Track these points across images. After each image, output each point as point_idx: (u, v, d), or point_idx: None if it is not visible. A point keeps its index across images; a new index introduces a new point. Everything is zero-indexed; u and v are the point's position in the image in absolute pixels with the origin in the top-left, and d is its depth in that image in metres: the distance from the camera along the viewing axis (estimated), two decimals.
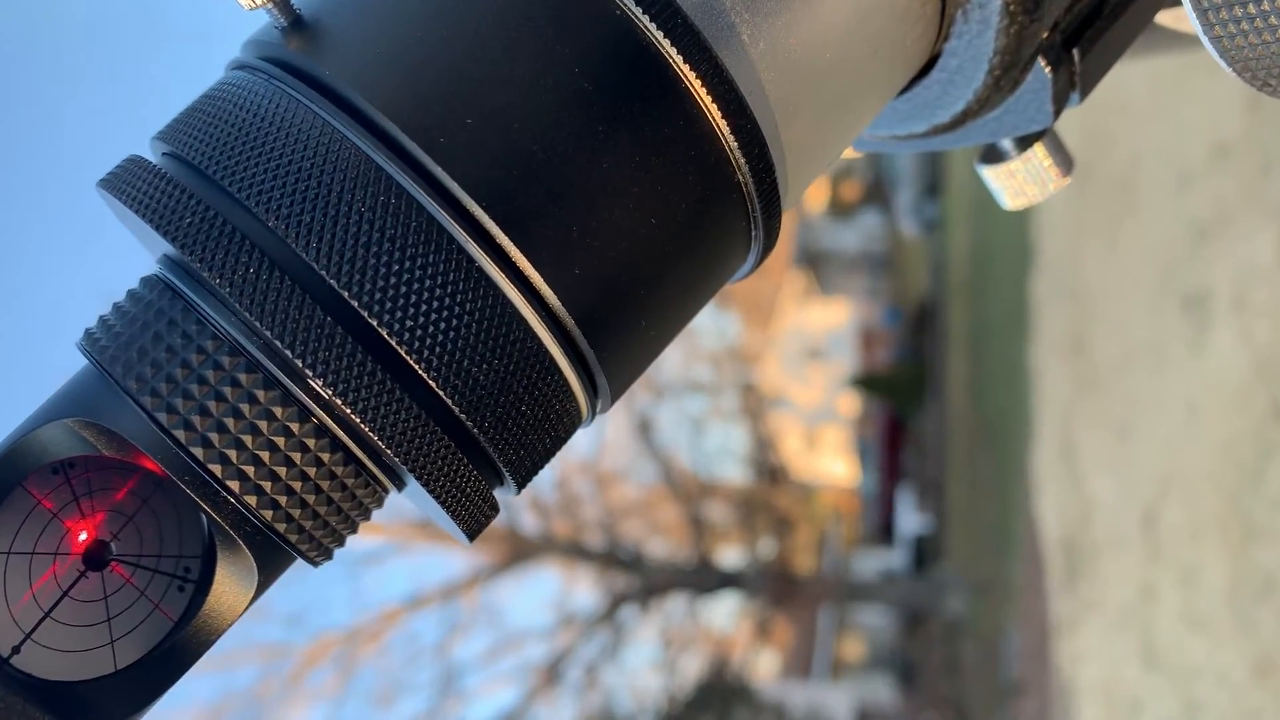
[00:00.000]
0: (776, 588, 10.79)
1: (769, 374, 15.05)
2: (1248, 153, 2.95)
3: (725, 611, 11.95)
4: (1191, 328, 3.29)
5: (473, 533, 0.31)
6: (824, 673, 13.31)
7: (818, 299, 18.47)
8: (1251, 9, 0.27)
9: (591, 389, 0.32)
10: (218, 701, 8.89)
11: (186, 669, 0.29)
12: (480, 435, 0.29)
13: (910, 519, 12.52)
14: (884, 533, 14.30)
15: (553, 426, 0.31)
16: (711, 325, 11.76)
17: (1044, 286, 5.78)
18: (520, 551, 10.02)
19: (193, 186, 0.29)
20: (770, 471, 12.99)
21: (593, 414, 0.33)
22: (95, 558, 0.28)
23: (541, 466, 0.32)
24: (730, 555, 11.99)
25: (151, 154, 0.32)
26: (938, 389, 11.64)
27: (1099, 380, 4.52)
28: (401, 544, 9.89)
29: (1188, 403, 3.30)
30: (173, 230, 0.28)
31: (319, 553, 0.30)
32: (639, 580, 10.42)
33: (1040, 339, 5.84)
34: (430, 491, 0.29)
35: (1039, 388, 5.81)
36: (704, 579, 10.68)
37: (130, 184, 0.30)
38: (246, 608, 0.29)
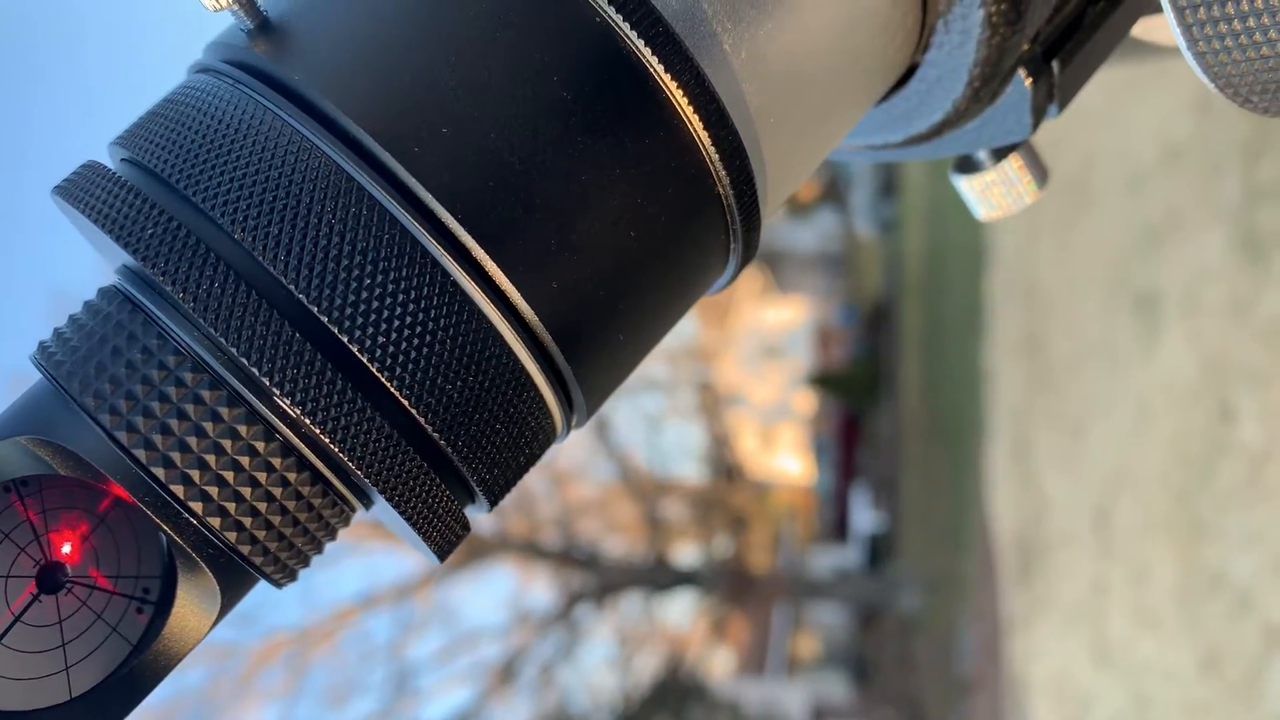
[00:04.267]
0: (732, 585, 10.83)
1: (725, 372, 15.09)
2: (1198, 155, 3.00)
3: (681, 609, 11.98)
4: (1143, 328, 3.33)
5: (443, 553, 0.30)
6: (779, 670, 13.37)
7: (774, 298, 18.55)
8: (1236, 25, 0.26)
9: (567, 405, 0.31)
10: (167, 702, 8.75)
11: (146, 694, 0.27)
12: (454, 455, 0.28)
13: (865, 516, 12.62)
14: (839, 530, 14.40)
15: (527, 444, 0.30)
16: None
17: (998, 286, 5.84)
18: (475, 550, 9.98)
19: (154, 195, 0.27)
20: (726, 469, 13.05)
21: (567, 430, 0.32)
22: (49, 580, 0.27)
23: (514, 484, 0.31)
24: (686, 553, 12.03)
25: (109, 160, 0.30)
26: (893, 387, 11.73)
27: (1052, 379, 4.57)
28: (355, 543, 9.81)
29: (1139, 402, 3.35)
30: (133, 242, 0.26)
31: (283, 574, 0.29)
32: (595, 578, 10.42)
33: (994, 338, 5.90)
34: (401, 513, 0.28)
35: (993, 386, 5.87)
36: (660, 577, 10.70)
37: (88, 192, 0.28)
38: (208, 631, 0.28)
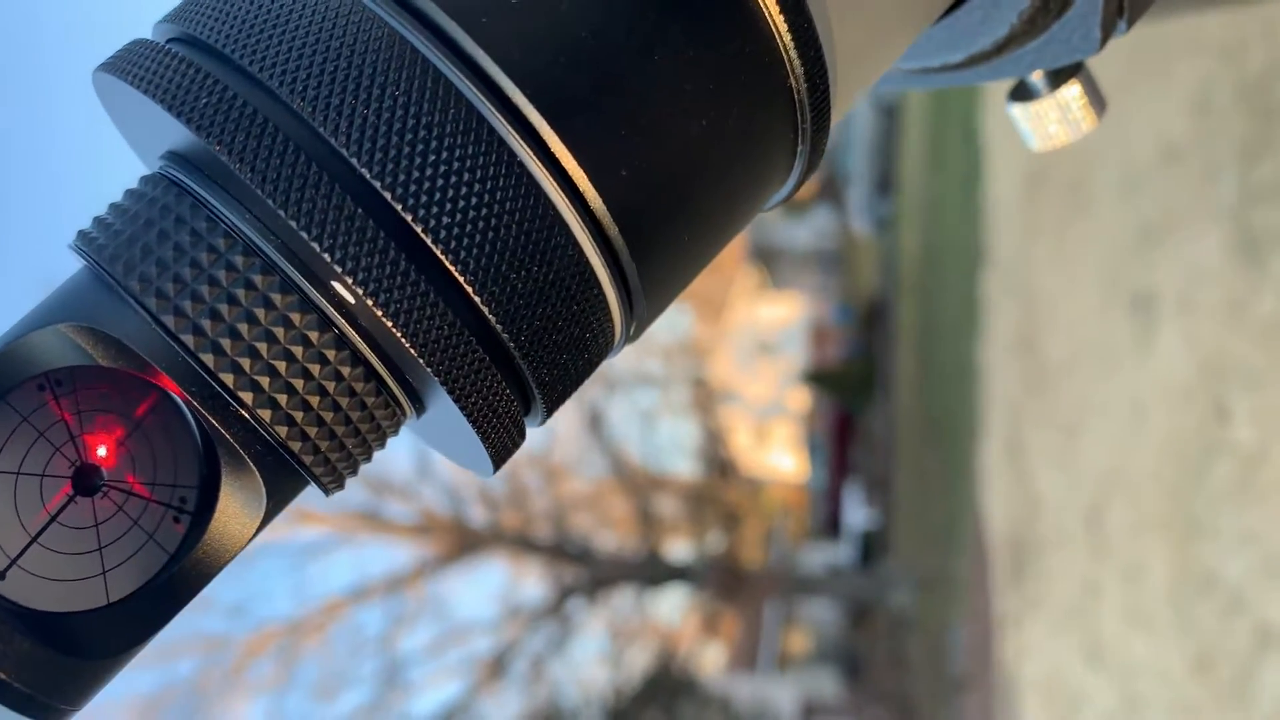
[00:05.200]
0: (724, 581, 10.84)
1: (720, 368, 15.10)
2: (1195, 156, 3.00)
3: (673, 605, 11.99)
4: (1139, 328, 3.33)
5: (499, 459, 0.28)
6: (770, 666, 13.39)
7: (770, 295, 18.56)
8: None
9: (628, 308, 0.29)
10: (157, 693, 8.75)
11: (186, 602, 0.26)
12: (515, 350, 0.26)
13: (858, 514, 12.62)
14: (832, 527, 14.41)
15: (587, 347, 0.28)
16: (663, 319, 11.76)
17: (994, 286, 5.84)
18: (467, 543, 9.98)
19: (209, 67, 0.25)
20: (720, 466, 13.05)
21: (624, 339, 0.31)
22: (85, 482, 0.26)
23: (572, 392, 0.29)
24: (678, 549, 12.03)
25: (156, 39, 0.28)
26: (887, 386, 11.74)
27: (1047, 379, 4.57)
28: (345, 535, 9.81)
29: (1134, 402, 3.35)
30: (188, 112, 0.25)
31: (332, 479, 0.27)
32: (587, 573, 10.42)
33: (989, 337, 5.90)
34: (462, 408, 0.26)
35: (987, 386, 5.87)
36: (652, 572, 10.71)
37: (137, 65, 0.26)
38: (252, 537, 0.27)
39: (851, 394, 13.17)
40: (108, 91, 0.28)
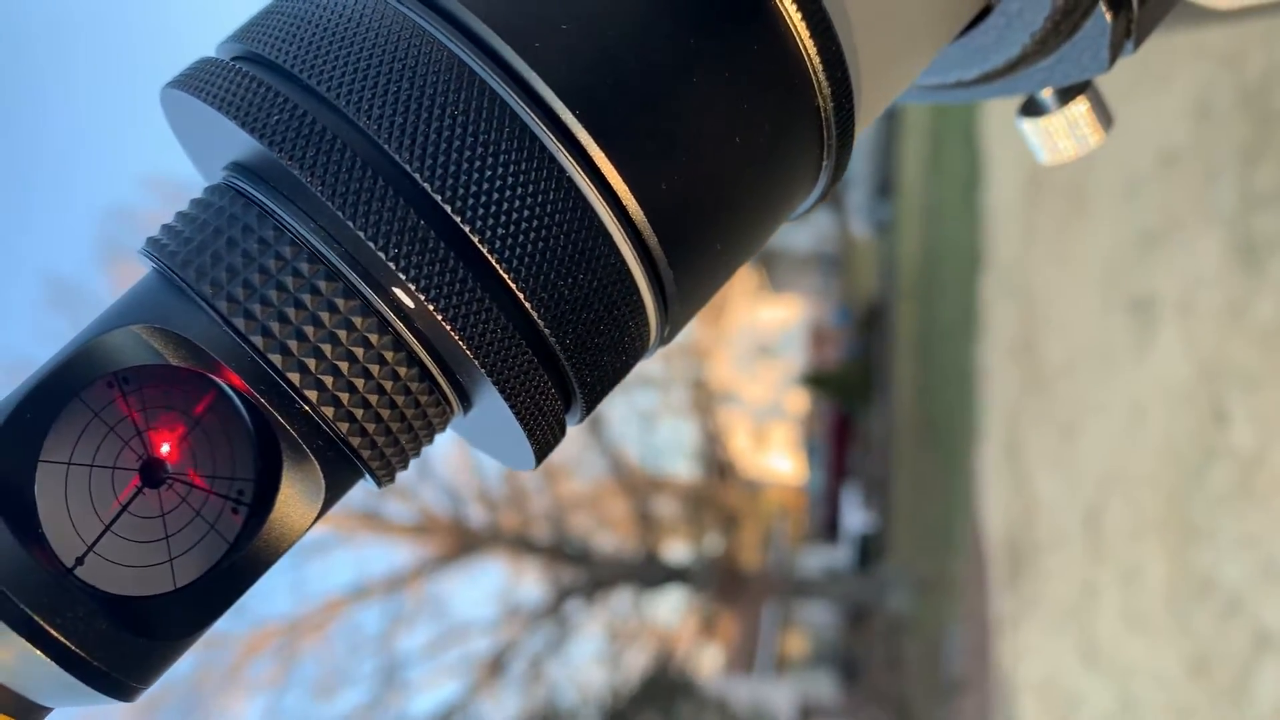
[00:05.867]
0: (722, 583, 10.84)
1: (719, 370, 15.10)
2: (1194, 161, 3.01)
3: (671, 606, 11.99)
4: (1138, 331, 3.34)
5: (542, 454, 0.30)
6: (767, 668, 13.39)
7: (769, 297, 18.56)
8: None
9: (664, 313, 0.31)
10: (155, 691, 8.73)
11: (249, 587, 0.28)
12: (561, 352, 0.28)
13: (856, 516, 12.62)
14: (830, 530, 14.40)
15: (625, 349, 0.30)
16: None
17: (993, 289, 5.85)
18: (466, 543, 9.98)
19: (277, 85, 0.27)
20: (718, 467, 13.05)
21: (659, 342, 0.33)
22: (151, 475, 0.27)
23: (609, 391, 0.31)
24: (677, 550, 12.03)
25: (221, 57, 0.30)
26: (885, 388, 11.74)
27: (1045, 382, 4.58)
28: (345, 535, 9.81)
29: (1132, 404, 3.36)
30: (260, 127, 0.26)
31: (386, 471, 0.29)
32: (585, 574, 10.42)
33: (988, 340, 5.91)
34: (511, 406, 0.28)
35: (986, 388, 5.88)
36: (650, 574, 10.71)
37: (208, 82, 0.28)
38: (310, 526, 0.28)
39: (850, 396, 13.18)
40: (175, 106, 0.30)
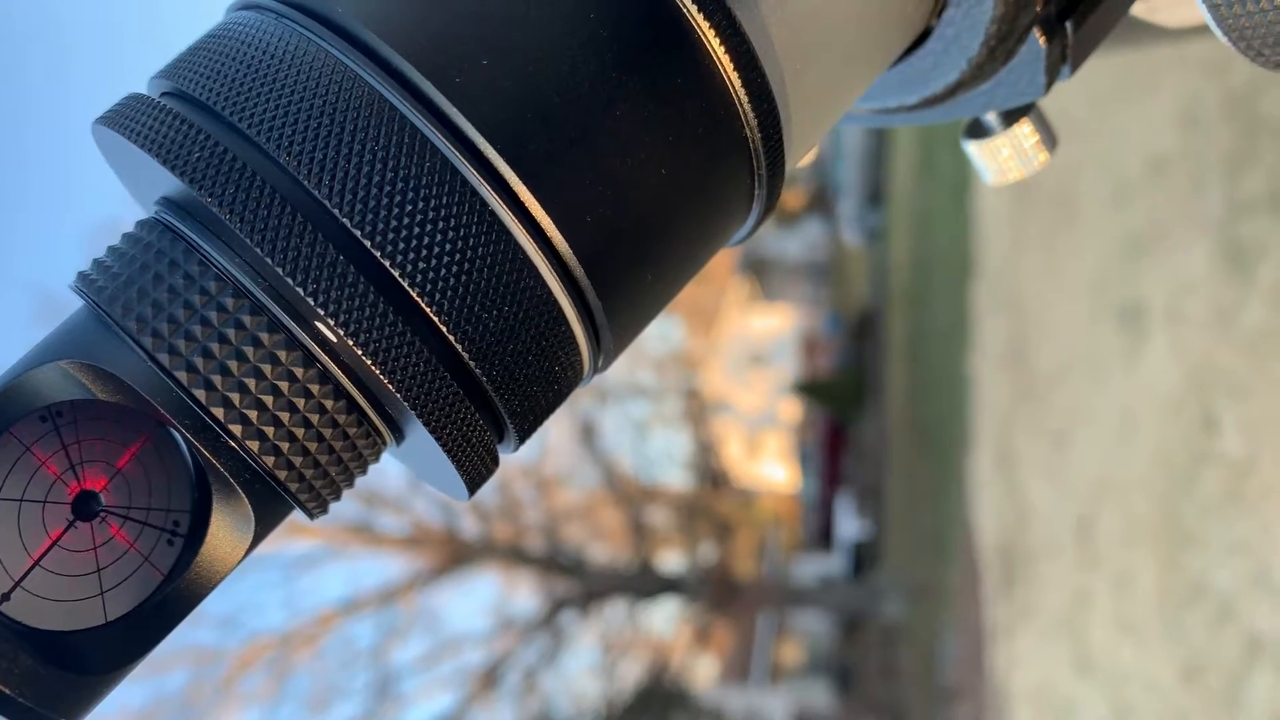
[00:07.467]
0: (716, 593, 10.83)
1: (712, 379, 15.11)
2: (1182, 168, 3.02)
3: (665, 616, 11.98)
4: (1127, 338, 3.35)
5: (474, 485, 0.30)
6: (762, 677, 13.37)
7: (761, 306, 18.59)
8: None
9: (595, 343, 0.31)
10: (148, 706, 8.70)
11: (179, 621, 0.28)
12: (488, 384, 0.28)
13: (849, 525, 12.63)
14: (823, 538, 14.41)
15: (556, 380, 0.30)
16: (655, 330, 11.78)
17: (983, 297, 5.86)
18: (459, 555, 9.97)
19: (200, 122, 0.27)
20: (712, 477, 13.06)
21: (593, 371, 0.33)
22: (84, 508, 0.27)
23: (542, 421, 0.31)
24: (671, 560, 12.03)
25: (151, 93, 0.30)
26: (878, 396, 11.76)
27: (1037, 389, 4.59)
28: (337, 548, 9.78)
29: (1123, 411, 3.37)
30: (181, 165, 0.26)
31: (316, 504, 0.29)
32: (579, 585, 10.41)
33: (979, 348, 5.92)
34: (437, 439, 0.28)
35: (977, 396, 5.89)
36: (644, 584, 10.70)
37: (133, 120, 0.28)
38: (241, 559, 0.28)
39: (842, 405, 13.19)
40: (106, 142, 0.30)
